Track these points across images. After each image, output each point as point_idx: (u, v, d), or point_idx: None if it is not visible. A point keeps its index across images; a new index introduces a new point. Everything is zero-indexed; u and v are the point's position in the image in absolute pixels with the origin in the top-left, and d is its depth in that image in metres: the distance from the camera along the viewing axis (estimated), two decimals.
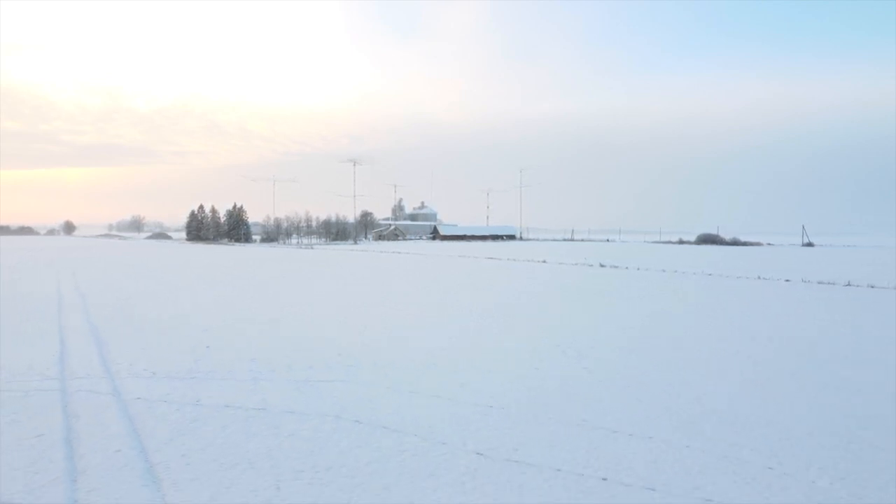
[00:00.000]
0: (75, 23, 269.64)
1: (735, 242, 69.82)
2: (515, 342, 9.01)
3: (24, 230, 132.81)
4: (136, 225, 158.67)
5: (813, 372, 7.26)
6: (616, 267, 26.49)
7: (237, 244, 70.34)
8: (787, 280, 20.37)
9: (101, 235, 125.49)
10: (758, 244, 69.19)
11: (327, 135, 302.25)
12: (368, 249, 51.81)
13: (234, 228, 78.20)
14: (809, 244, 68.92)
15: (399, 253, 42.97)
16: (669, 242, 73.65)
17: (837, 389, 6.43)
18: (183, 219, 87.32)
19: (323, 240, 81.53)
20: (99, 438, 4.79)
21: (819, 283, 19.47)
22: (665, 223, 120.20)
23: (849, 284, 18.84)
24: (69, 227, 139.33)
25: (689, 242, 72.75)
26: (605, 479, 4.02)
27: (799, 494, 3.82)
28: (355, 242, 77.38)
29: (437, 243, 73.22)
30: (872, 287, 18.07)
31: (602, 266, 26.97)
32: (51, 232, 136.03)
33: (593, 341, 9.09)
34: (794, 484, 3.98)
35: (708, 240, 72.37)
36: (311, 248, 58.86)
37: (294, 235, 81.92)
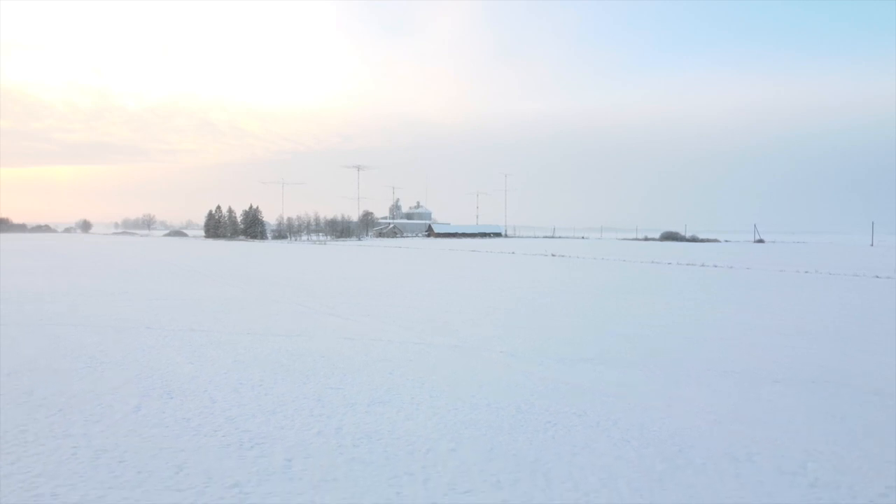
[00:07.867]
0: (65, 22, 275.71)
1: (693, 239, 79.53)
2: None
3: (42, 228, 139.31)
4: (145, 223, 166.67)
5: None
6: (563, 256, 35.93)
7: (253, 241, 79.35)
8: (669, 263, 29.86)
9: (116, 233, 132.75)
10: (715, 241, 78.84)
11: (319, 133, 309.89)
12: (375, 245, 60.96)
13: (251, 226, 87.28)
14: (760, 241, 78.83)
15: (405, 248, 52.17)
16: (636, 239, 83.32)
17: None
18: (183, 216, 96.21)
19: (328, 237, 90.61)
20: None
21: (688, 264, 29.01)
22: (645, 222, 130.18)
23: (716, 266, 28.34)
24: (86, 226, 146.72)
25: (653, 239, 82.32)
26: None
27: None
28: (359, 239, 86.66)
29: (432, 240, 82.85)
30: (731, 266, 27.55)
31: (553, 255, 36.41)
32: (68, 230, 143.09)
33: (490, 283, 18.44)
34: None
35: (670, 237, 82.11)
36: (324, 244, 68.00)
37: (303, 233, 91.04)
